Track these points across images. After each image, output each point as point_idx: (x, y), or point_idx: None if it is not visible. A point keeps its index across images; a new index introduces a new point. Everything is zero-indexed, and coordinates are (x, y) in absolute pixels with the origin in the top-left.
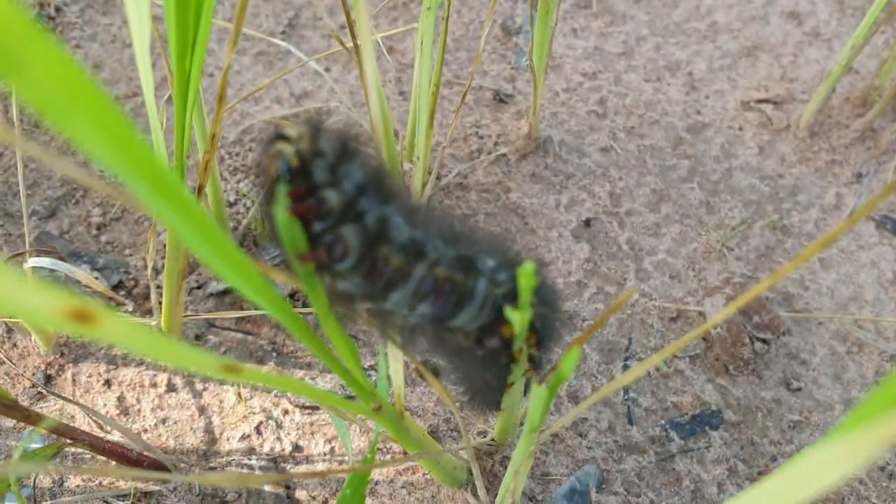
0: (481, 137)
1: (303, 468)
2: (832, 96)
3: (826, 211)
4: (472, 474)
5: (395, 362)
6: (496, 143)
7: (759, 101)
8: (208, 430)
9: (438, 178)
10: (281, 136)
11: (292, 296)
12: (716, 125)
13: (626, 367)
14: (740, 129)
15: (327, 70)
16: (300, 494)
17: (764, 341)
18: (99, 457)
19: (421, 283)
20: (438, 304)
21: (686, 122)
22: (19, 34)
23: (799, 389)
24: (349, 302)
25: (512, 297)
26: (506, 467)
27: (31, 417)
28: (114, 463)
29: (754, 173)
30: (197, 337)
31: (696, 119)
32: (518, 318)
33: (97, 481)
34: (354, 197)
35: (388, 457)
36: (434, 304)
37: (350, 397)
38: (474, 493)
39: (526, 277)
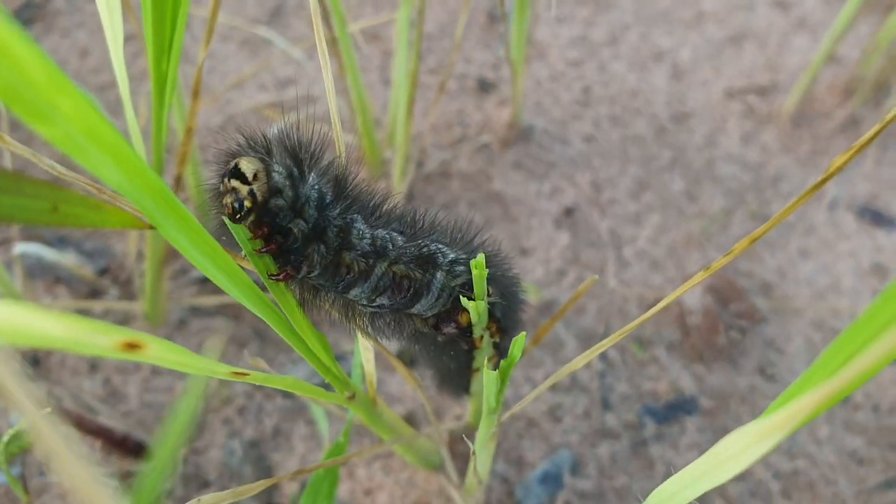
0: (464, 126)
1: (283, 451)
2: (815, 86)
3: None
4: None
5: (366, 351)
6: (479, 132)
7: (743, 91)
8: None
9: (420, 166)
10: (235, 175)
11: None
12: (699, 114)
13: (603, 354)
14: (723, 118)
15: (310, 58)
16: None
17: (740, 329)
18: (86, 438)
19: (380, 280)
20: (396, 297)
21: (669, 112)
22: (48, 87)
23: (774, 377)
24: (314, 294)
25: (469, 287)
26: None
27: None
28: (100, 444)
29: (736, 162)
30: (180, 322)
31: (680, 108)
32: (473, 307)
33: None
34: (316, 218)
35: (366, 440)
36: (391, 297)
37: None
38: (448, 476)
39: (478, 268)
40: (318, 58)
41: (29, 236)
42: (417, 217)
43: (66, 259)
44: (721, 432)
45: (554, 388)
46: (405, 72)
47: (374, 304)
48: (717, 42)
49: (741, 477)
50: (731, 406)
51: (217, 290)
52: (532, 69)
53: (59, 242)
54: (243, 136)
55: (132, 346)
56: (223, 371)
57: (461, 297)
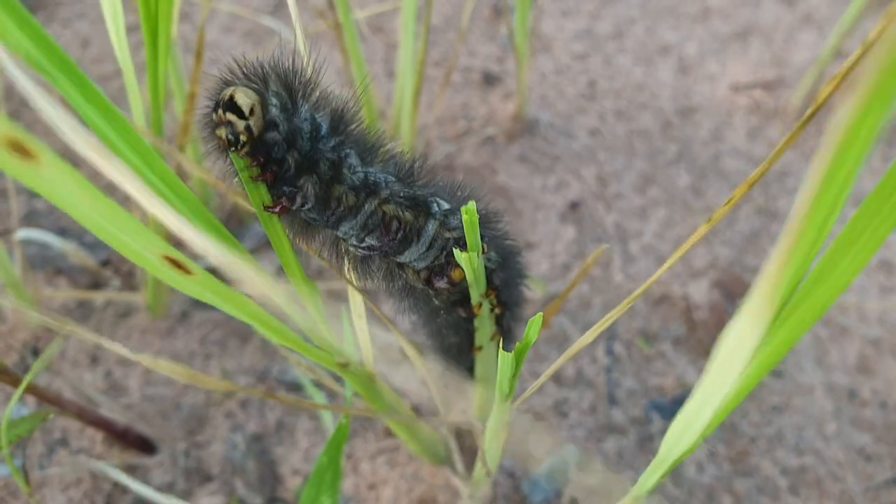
0: (469, 118)
1: (286, 445)
2: (821, 81)
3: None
4: (452, 450)
5: (358, 319)
6: (484, 125)
7: (749, 86)
8: (194, 406)
9: (425, 158)
10: (231, 108)
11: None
12: (705, 109)
13: (609, 349)
14: (729, 113)
15: (314, 48)
16: (283, 469)
17: None
18: (87, 431)
19: (369, 217)
20: (385, 238)
21: (675, 106)
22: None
23: (781, 373)
24: (305, 228)
25: (464, 243)
26: None
27: (18, 382)
28: (101, 436)
29: (742, 157)
30: (182, 314)
31: (686, 102)
32: (466, 261)
33: (85, 453)
34: (308, 150)
35: (370, 434)
36: (380, 238)
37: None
38: (454, 469)
39: (468, 214)
40: (322, 48)
41: (30, 225)
42: (416, 166)
43: (69, 248)
44: (728, 428)
45: (560, 382)
46: (411, 63)
47: (363, 245)
48: (723, 37)
49: (749, 473)
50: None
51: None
52: (537, 62)
53: (61, 234)
54: (238, 64)
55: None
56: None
57: (455, 250)
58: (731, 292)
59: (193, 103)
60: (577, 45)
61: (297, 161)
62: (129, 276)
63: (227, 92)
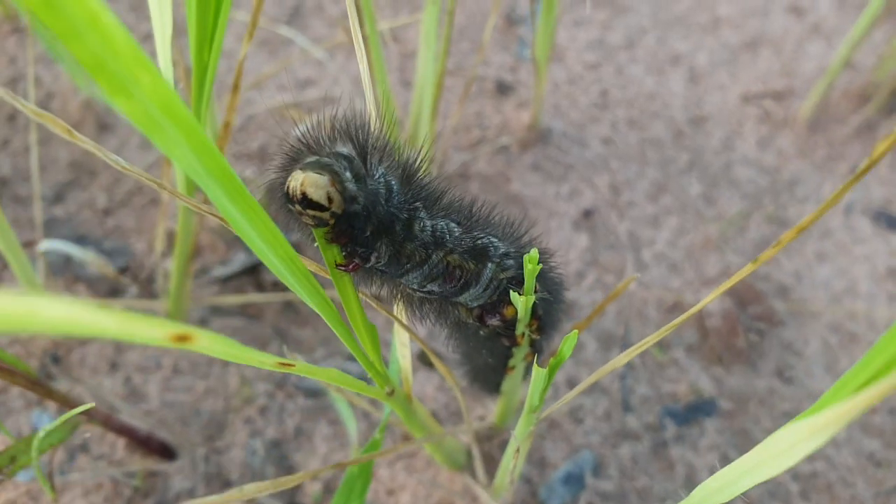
0: (483, 128)
1: (305, 451)
2: (831, 91)
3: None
4: (471, 457)
5: (403, 347)
6: (498, 134)
7: (759, 96)
8: (213, 412)
9: (441, 167)
10: (307, 203)
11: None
12: (716, 118)
13: None
14: (740, 122)
15: (331, 58)
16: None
17: (758, 332)
18: (107, 437)
19: (434, 267)
20: (446, 285)
21: (686, 115)
22: (129, 62)
23: (792, 379)
24: (369, 276)
25: (517, 281)
26: (503, 451)
27: (51, 394)
28: (122, 442)
29: (753, 166)
30: (201, 321)
31: (697, 112)
32: (521, 302)
33: (106, 459)
34: (385, 212)
35: (390, 441)
36: (442, 285)
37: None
38: (473, 475)
39: (531, 263)
40: (338, 58)
41: (51, 234)
42: (475, 209)
43: (90, 257)
44: (740, 434)
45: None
46: (430, 72)
47: (424, 290)
48: (733, 47)
49: None
50: (749, 408)
51: (238, 290)
52: (550, 72)
53: (79, 241)
54: (305, 135)
55: (183, 338)
56: (270, 361)
57: (510, 290)
58: (743, 300)
59: (228, 131)
60: (590, 54)
61: (374, 226)
62: (148, 284)
63: (296, 188)
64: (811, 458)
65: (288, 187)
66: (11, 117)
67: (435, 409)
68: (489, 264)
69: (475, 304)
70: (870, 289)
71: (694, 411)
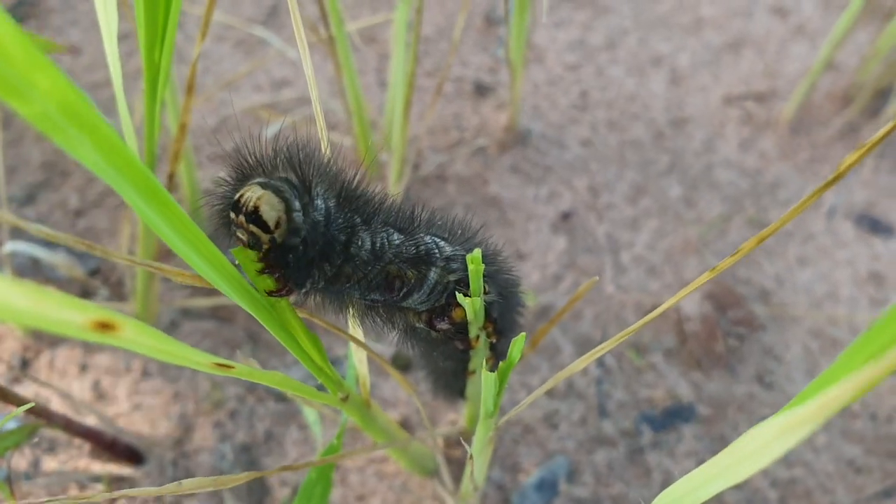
0: (461, 129)
1: (275, 456)
2: (814, 93)
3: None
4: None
5: (359, 352)
6: (476, 135)
7: (742, 97)
8: (183, 415)
9: (417, 168)
10: (254, 219)
11: None
12: (697, 120)
13: (599, 361)
14: (721, 124)
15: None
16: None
17: (738, 336)
18: (74, 440)
19: (374, 279)
20: (388, 294)
21: (667, 117)
22: (22, 65)
23: (772, 385)
24: (305, 294)
25: (466, 283)
26: None
27: (8, 397)
28: (88, 446)
29: (734, 169)
30: (172, 324)
31: (678, 114)
32: (468, 303)
33: (72, 465)
34: (323, 242)
35: (359, 445)
36: (384, 294)
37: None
38: (442, 482)
39: (474, 263)
40: (314, 59)
41: (18, 236)
42: (415, 214)
43: (58, 259)
44: (719, 440)
45: (550, 394)
46: (402, 74)
47: (367, 299)
48: (716, 48)
49: (739, 485)
50: (728, 414)
51: (209, 293)
52: (529, 73)
53: (49, 243)
54: (253, 156)
55: (105, 326)
56: (204, 362)
57: (457, 292)
58: (723, 304)
59: (184, 133)
60: (570, 55)
61: (310, 257)
62: (118, 286)
63: (251, 199)
64: (790, 465)
65: (241, 196)
66: None
67: (407, 413)
68: (433, 269)
69: (423, 309)
70: (851, 293)
71: (671, 417)
